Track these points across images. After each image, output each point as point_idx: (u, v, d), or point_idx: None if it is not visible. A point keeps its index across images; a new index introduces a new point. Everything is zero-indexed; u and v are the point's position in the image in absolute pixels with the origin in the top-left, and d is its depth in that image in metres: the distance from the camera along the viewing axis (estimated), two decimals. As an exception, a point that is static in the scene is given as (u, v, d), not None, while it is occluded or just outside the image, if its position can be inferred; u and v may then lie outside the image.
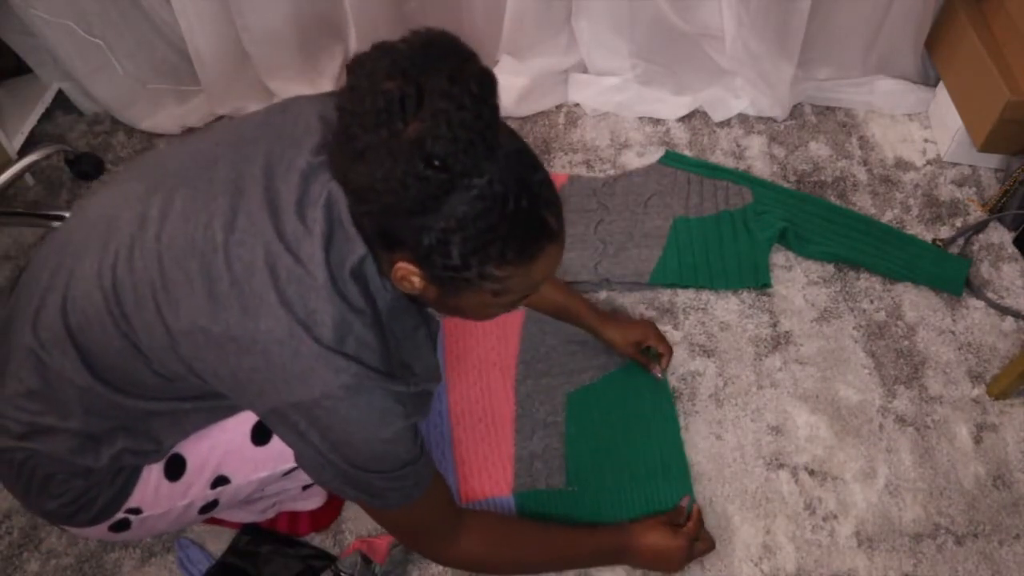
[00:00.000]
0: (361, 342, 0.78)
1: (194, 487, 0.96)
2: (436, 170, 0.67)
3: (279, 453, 0.96)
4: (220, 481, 0.97)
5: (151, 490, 0.94)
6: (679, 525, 1.16)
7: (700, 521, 1.18)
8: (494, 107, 0.70)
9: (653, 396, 1.34)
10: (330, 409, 0.78)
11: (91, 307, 0.83)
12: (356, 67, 0.70)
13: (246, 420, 0.95)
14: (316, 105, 0.86)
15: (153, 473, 0.94)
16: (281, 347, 0.76)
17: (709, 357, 1.41)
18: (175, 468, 0.94)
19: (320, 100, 0.88)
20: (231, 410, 0.94)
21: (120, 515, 0.94)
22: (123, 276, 0.81)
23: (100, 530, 0.95)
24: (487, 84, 0.69)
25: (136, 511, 0.95)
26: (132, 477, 0.93)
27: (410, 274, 0.75)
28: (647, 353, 1.35)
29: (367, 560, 1.13)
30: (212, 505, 1.00)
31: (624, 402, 1.33)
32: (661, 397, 1.34)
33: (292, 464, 0.98)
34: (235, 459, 0.96)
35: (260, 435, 0.95)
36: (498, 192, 0.70)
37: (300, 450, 0.84)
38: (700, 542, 1.16)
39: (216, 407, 0.92)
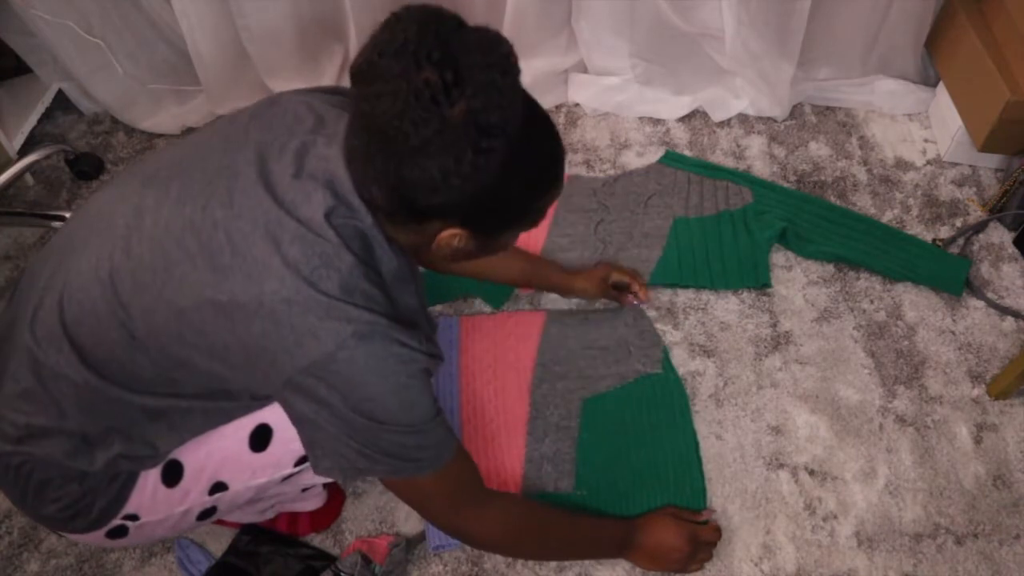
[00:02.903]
0: (368, 295, 0.78)
1: (192, 493, 0.95)
2: (495, 138, 0.70)
3: (277, 459, 0.96)
4: (218, 487, 0.97)
5: (148, 496, 0.93)
6: (692, 523, 1.17)
7: (716, 531, 1.18)
8: (517, 60, 0.72)
9: (672, 411, 1.33)
10: (347, 361, 0.77)
11: (87, 299, 0.83)
12: (369, 74, 0.70)
13: (244, 426, 0.94)
14: (303, 97, 0.88)
15: (150, 479, 0.93)
16: (288, 305, 0.76)
17: (709, 357, 1.41)
18: (172, 474, 0.94)
19: (306, 93, 0.89)
20: (229, 415, 0.93)
21: (117, 521, 0.94)
22: (120, 264, 0.82)
23: (97, 536, 0.95)
24: (506, 41, 0.71)
25: (133, 517, 0.94)
26: (129, 483, 0.92)
27: (453, 237, 0.78)
28: (619, 288, 1.42)
29: (367, 560, 1.13)
30: (210, 511, 1.00)
31: (640, 413, 1.32)
32: (680, 413, 1.33)
33: (291, 470, 0.97)
34: (233, 465, 0.96)
35: (258, 442, 0.95)
36: (537, 136, 0.75)
37: (322, 423, 0.81)
38: (703, 551, 1.16)
39: (214, 409, 0.92)
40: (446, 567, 1.19)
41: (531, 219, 0.83)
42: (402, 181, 0.73)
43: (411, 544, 1.19)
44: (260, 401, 0.93)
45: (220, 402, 0.91)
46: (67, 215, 1.60)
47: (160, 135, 1.85)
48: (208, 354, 0.81)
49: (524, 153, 0.74)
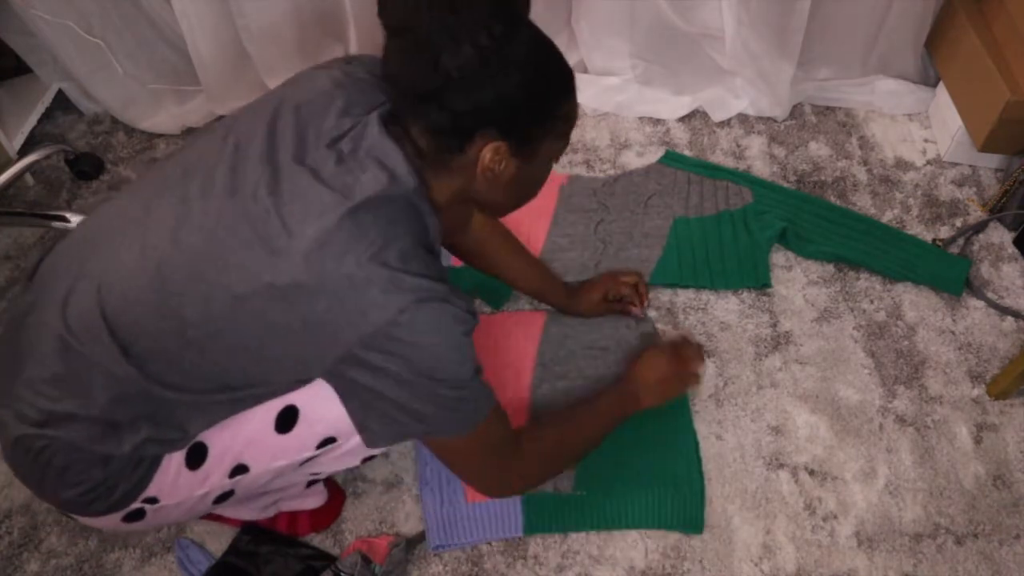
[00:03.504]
0: (424, 262, 0.84)
1: (213, 476, 0.96)
2: (515, 13, 0.79)
3: (301, 442, 0.97)
4: (239, 470, 0.97)
5: (170, 479, 0.94)
6: (665, 348, 1.28)
7: (693, 345, 1.30)
8: None
9: (672, 411, 1.32)
10: (408, 324, 0.81)
11: (132, 289, 0.84)
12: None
13: (271, 408, 0.95)
14: (323, 71, 0.92)
15: (174, 461, 0.93)
16: (350, 280, 0.79)
17: (709, 357, 1.41)
18: (196, 456, 0.94)
19: (325, 68, 0.93)
20: (260, 399, 0.94)
21: (136, 505, 0.94)
22: (170, 256, 0.83)
23: (113, 520, 0.95)
24: None
25: (153, 500, 0.94)
26: (153, 466, 0.92)
27: (496, 153, 0.84)
28: (621, 303, 1.42)
29: (367, 560, 1.13)
30: (227, 495, 1.00)
31: (640, 413, 1.31)
32: (679, 409, 1.33)
33: (311, 452, 0.98)
34: (257, 447, 0.96)
35: (284, 423, 0.96)
36: (542, 37, 0.84)
37: (381, 390, 0.85)
38: (691, 361, 1.27)
39: (248, 396, 0.93)
40: (446, 567, 1.19)
41: (559, 132, 0.89)
42: (441, 80, 0.77)
43: (411, 544, 1.20)
44: (298, 384, 0.93)
45: (257, 389, 0.92)
46: (67, 215, 1.60)
47: (160, 135, 1.85)
48: (264, 337, 0.84)
49: (539, 46, 0.83)
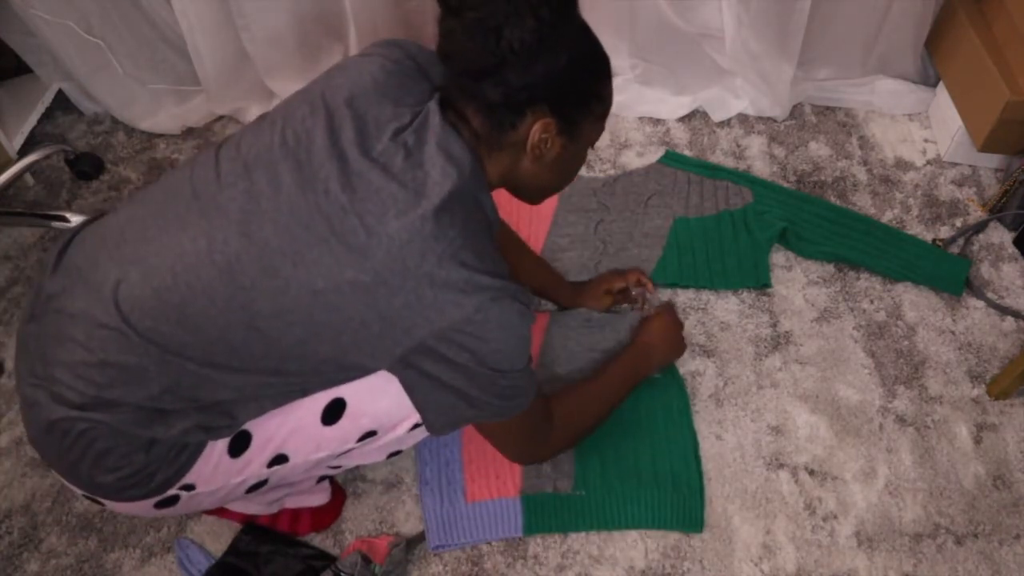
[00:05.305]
0: (494, 259, 0.87)
1: (252, 464, 0.96)
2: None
3: (344, 434, 0.97)
4: (278, 460, 0.97)
5: (210, 466, 0.93)
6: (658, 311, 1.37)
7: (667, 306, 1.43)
8: None
9: (671, 411, 1.33)
10: (481, 322, 0.84)
11: (198, 281, 0.84)
12: None
13: (319, 399, 0.95)
14: (367, 59, 0.92)
15: (216, 449, 0.93)
16: (431, 279, 0.82)
17: (709, 357, 1.41)
18: (239, 444, 0.94)
19: (367, 55, 0.94)
20: (313, 390, 0.95)
21: (173, 491, 0.93)
22: (240, 249, 0.83)
23: (144, 506, 0.94)
24: None
25: (189, 487, 0.94)
26: (195, 452, 0.92)
27: (546, 130, 0.87)
28: (624, 295, 1.43)
29: (367, 560, 1.13)
30: (262, 484, 1.00)
31: (640, 413, 1.32)
32: (679, 409, 1.33)
33: (352, 445, 0.99)
34: (300, 437, 0.96)
35: (330, 415, 0.96)
36: (585, 25, 0.88)
37: (445, 380, 0.89)
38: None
39: (300, 387, 0.93)
40: (446, 567, 1.19)
41: (599, 113, 0.93)
42: (503, 54, 0.80)
43: (411, 544, 1.20)
44: (359, 375, 0.94)
45: (317, 379, 0.93)
46: (67, 215, 1.59)
47: (160, 135, 1.85)
48: (338, 330, 0.85)
49: (585, 27, 0.87)
